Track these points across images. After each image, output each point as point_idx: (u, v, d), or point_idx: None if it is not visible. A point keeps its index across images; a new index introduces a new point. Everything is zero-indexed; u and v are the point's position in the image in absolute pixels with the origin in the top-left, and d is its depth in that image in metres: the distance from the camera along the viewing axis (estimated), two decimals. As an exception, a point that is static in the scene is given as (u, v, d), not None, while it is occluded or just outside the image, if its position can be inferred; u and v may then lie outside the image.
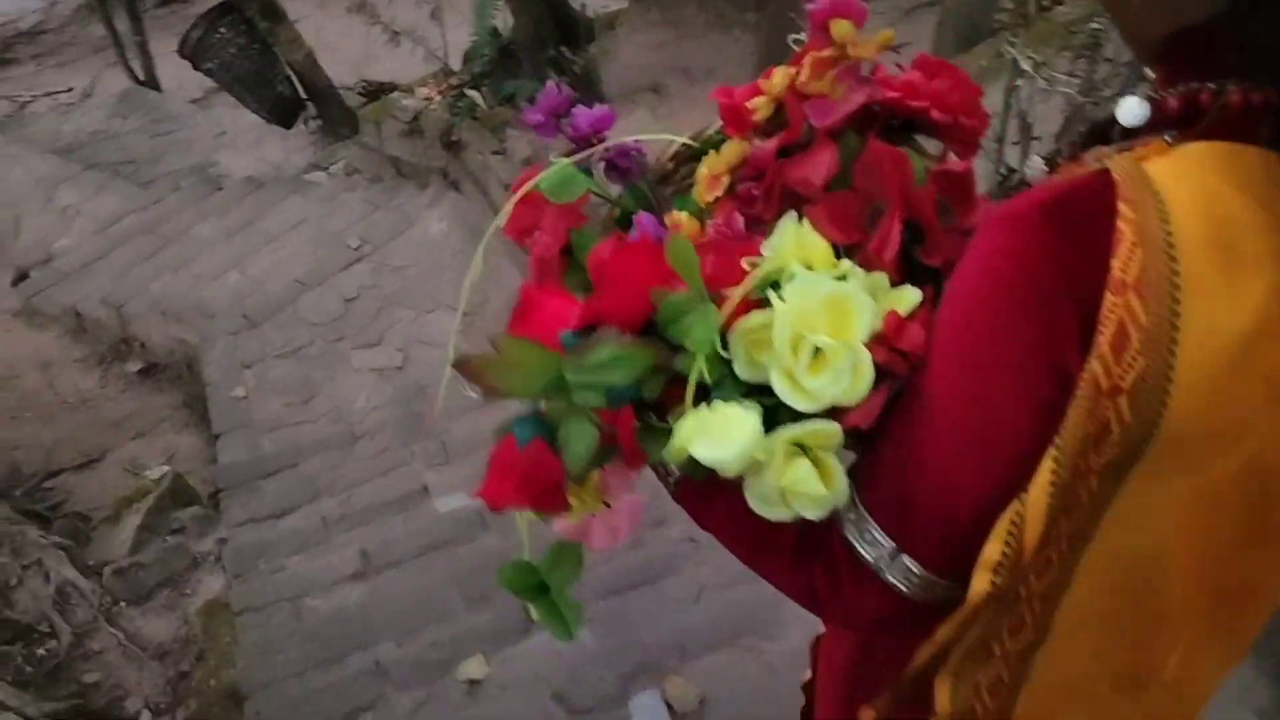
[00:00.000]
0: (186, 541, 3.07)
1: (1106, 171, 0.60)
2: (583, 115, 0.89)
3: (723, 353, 0.69)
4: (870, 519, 0.70)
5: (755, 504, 0.69)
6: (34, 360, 4.87)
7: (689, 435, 0.67)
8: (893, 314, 0.68)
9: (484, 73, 5.54)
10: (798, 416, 0.68)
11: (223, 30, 5.77)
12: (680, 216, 0.83)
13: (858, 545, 0.70)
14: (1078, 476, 0.61)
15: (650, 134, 0.91)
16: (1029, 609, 0.67)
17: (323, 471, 3.34)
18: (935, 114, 0.77)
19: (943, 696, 0.70)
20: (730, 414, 0.67)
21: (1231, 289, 0.57)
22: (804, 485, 0.67)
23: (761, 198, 0.78)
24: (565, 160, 0.87)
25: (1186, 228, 0.57)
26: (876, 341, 0.67)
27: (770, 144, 0.78)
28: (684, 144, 0.88)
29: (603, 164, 0.89)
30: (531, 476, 0.71)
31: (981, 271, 0.63)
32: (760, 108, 0.81)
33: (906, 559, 0.68)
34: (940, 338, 0.66)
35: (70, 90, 8.33)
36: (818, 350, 0.66)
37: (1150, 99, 0.65)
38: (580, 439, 0.70)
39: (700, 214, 0.83)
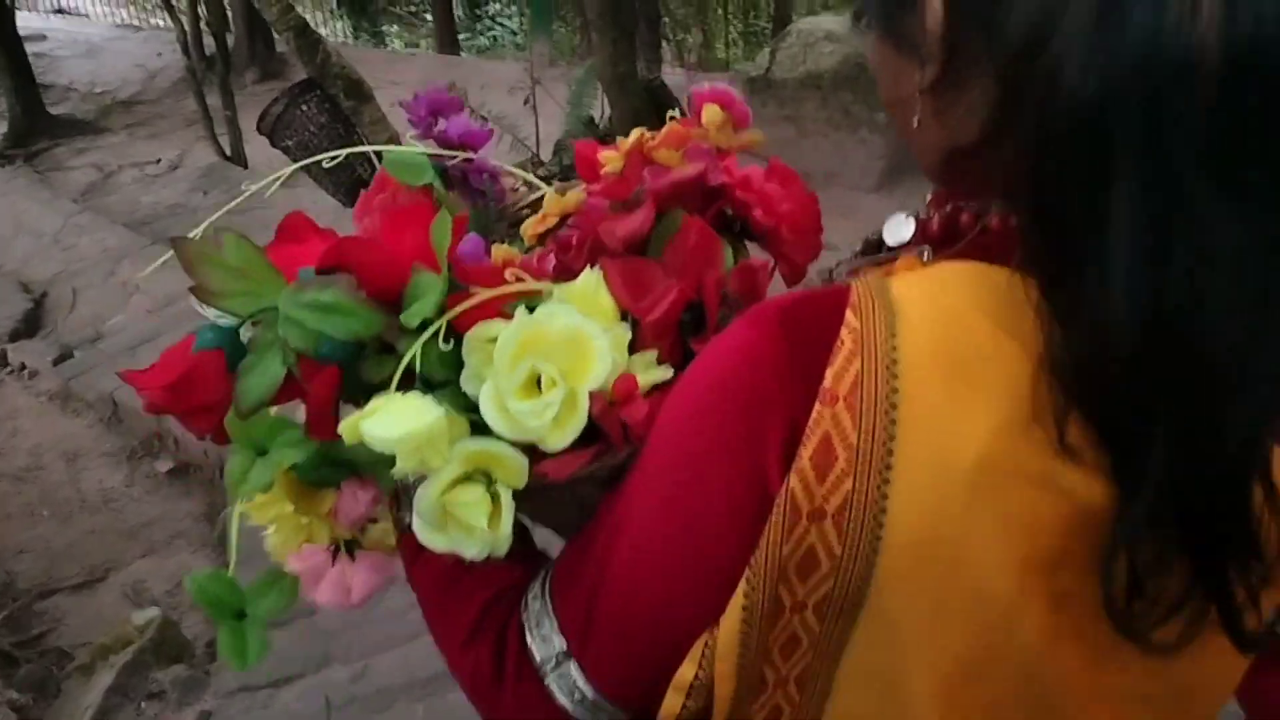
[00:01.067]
0: (163, 712, 2.48)
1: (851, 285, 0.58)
2: (456, 123, 0.88)
3: (443, 347, 0.64)
4: (550, 610, 0.65)
5: (416, 520, 0.64)
6: (62, 450, 4.43)
7: (368, 412, 0.61)
8: (627, 376, 0.65)
9: (574, 164, 5.08)
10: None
11: (305, 107, 5.42)
12: (506, 249, 0.81)
13: (530, 635, 0.66)
14: (781, 608, 0.56)
15: (521, 172, 0.92)
16: None
17: (340, 629, 2.75)
18: (758, 213, 0.76)
19: None
20: (415, 402, 0.61)
21: (958, 418, 0.51)
22: (465, 510, 0.62)
23: (575, 246, 0.76)
24: (421, 149, 0.84)
25: (915, 345, 0.53)
26: (601, 398, 0.64)
27: (601, 195, 0.78)
28: (548, 193, 0.86)
29: (461, 177, 0.88)
30: (189, 383, 0.65)
31: (708, 364, 0.59)
32: (610, 162, 0.80)
33: (574, 667, 0.63)
34: (655, 429, 0.61)
35: (158, 162, 8.18)
36: (538, 379, 0.63)
37: (916, 218, 0.64)
38: (262, 373, 0.64)
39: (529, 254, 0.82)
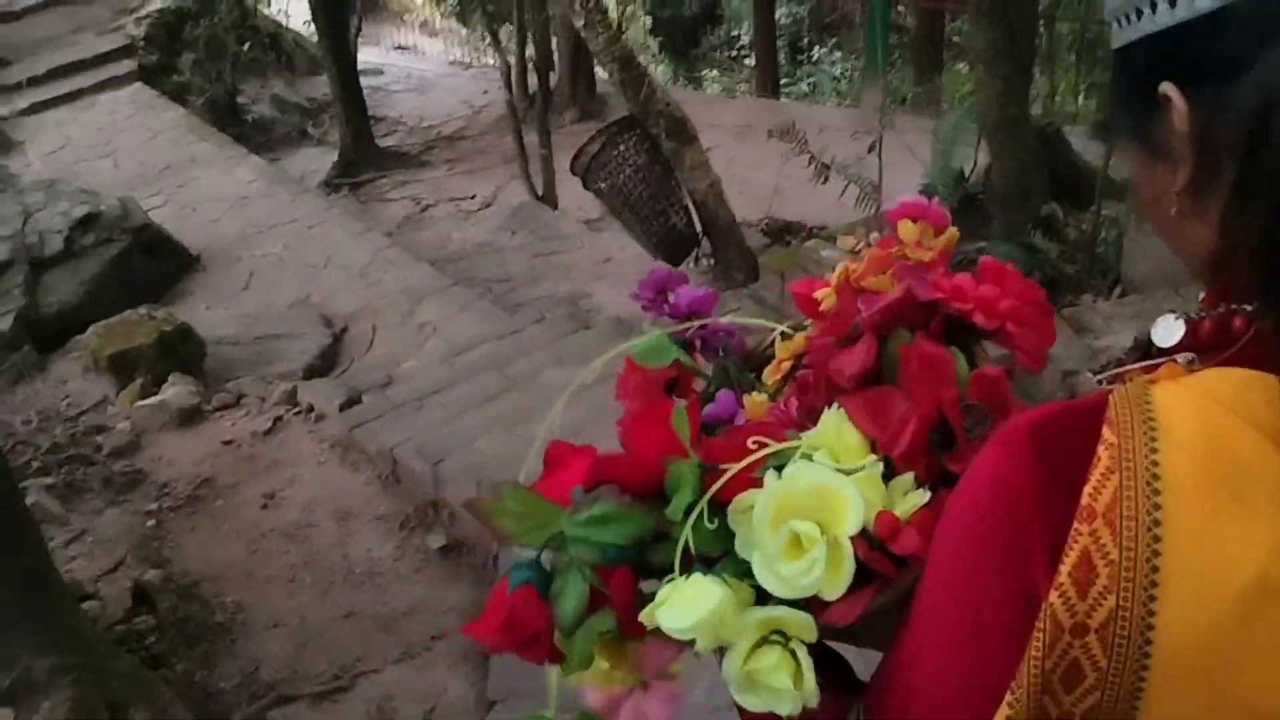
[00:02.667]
0: None
1: (1109, 393, 0.57)
2: (684, 294, 0.93)
3: (709, 526, 0.69)
4: None
5: (731, 687, 0.68)
6: (335, 508, 4.05)
7: (659, 602, 0.67)
8: (885, 514, 0.67)
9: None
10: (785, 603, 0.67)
11: (622, 147, 4.90)
12: (756, 397, 0.84)
13: None
14: (1046, 717, 0.55)
15: (748, 319, 0.95)
16: None
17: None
18: (979, 318, 0.75)
19: None
20: (700, 585, 0.67)
21: (1228, 537, 0.50)
22: (769, 676, 0.66)
23: (813, 386, 0.78)
24: (659, 331, 0.90)
25: (1179, 461, 0.52)
26: (865, 539, 0.66)
27: (824, 333, 0.80)
28: (782, 332, 0.90)
29: (700, 341, 0.92)
30: (516, 621, 0.73)
31: (966, 488, 0.60)
32: (825, 298, 0.82)
33: None
34: (930, 552, 0.62)
35: (472, 198, 8.07)
36: (798, 536, 0.66)
37: (1187, 319, 0.62)
38: (572, 594, 0.71)
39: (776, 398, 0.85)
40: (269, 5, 10.88)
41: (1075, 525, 0.52)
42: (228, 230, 6.51)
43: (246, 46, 9.28)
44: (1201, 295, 0.63)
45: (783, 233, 6.92)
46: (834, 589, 0.64)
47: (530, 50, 8.09)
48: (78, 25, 9.09)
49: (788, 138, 4.26)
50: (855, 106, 9.63)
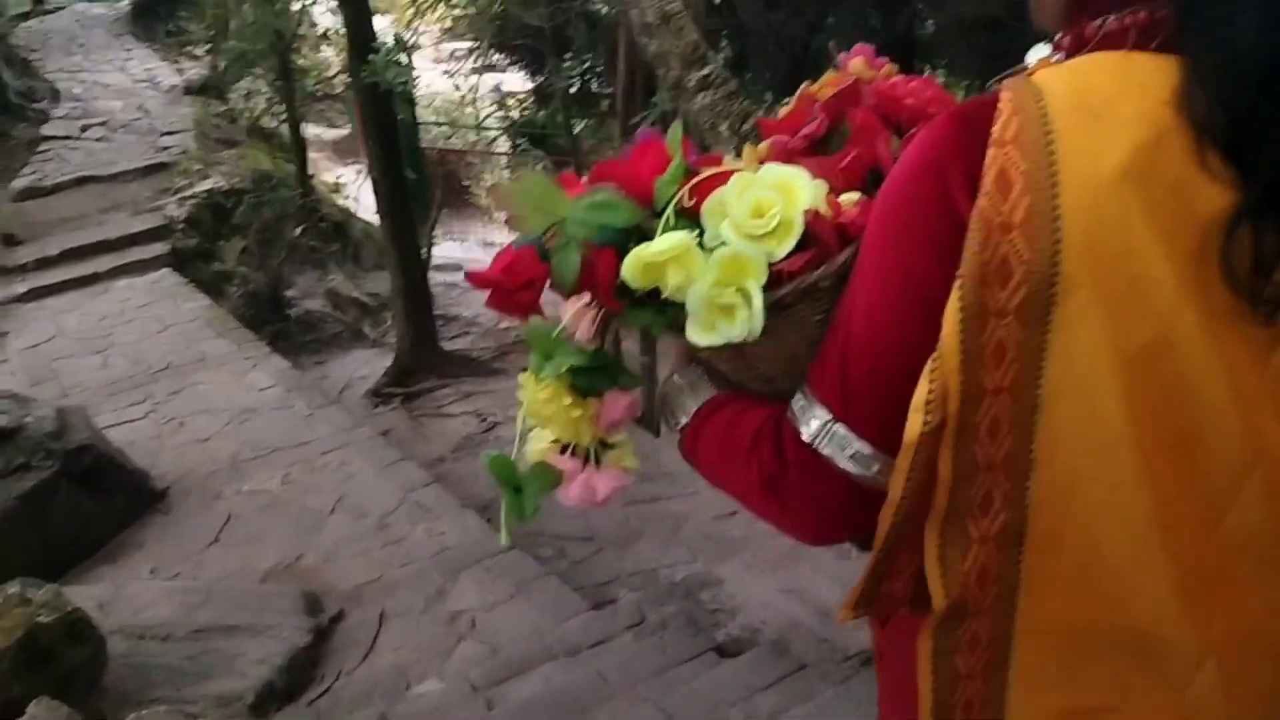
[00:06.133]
0: None
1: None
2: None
3: (687, 203, 0.86)
4: (811, 398, 0.79)
5: (691, 329, 0.82)
6: None
7: (642, 248, 0.82)
8: (833, 199, 0.84)
9: None
10: None
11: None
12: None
13: (800, 424, 0.79)
14: (989, 314, 0.68)
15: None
16: (991, 479, 0.71)
17: None
18: (909, 101, 0.95)
19: (934, 586, 0.74)
20: (672, 235, 0.82)
21: (1101, 141, 0.68)
22: (727, 296, 0.80)
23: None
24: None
25: (1057, 100, 0.70)
26: (815, 213, 0.82)
27: (782, 129, 0.98)
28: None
29: None
30: (517, 267, 0.87)
31: (900, 162, 0.76)
32: (783, 109, 1.02)
33: (842, 427, 0.76)
34: (868, 227, 0.78)
35: (551, 415, 6.33)
36: (760, 209, 0.82)
37: (1051, 42, 0.81)
38: (566, 261, 0.86)
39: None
40: (340, 191, 9.68)
41: (991, 151, 0.69)
42: (216, 454, 4.79)
43: (299, 231, 7.91)
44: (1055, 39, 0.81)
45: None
46: (782, 246, 0.80)
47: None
48: (112, 204, 7.87)
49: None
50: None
